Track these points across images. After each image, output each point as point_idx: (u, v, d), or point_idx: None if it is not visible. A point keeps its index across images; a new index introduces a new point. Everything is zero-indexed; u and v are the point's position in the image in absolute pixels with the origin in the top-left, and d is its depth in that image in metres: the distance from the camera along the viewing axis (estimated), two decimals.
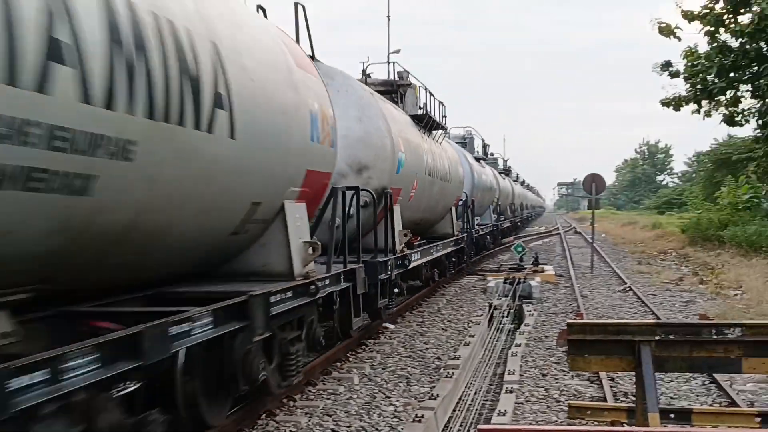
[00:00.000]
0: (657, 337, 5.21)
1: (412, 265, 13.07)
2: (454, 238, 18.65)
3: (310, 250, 7.74)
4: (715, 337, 5.15)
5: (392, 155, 12.29)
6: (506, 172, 43.32)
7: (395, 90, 15.54)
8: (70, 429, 4.14)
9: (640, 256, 28.73)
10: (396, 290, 12.51)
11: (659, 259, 27.04)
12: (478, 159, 28.76)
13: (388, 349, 11.12)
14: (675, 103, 24.11)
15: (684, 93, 24.22)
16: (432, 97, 16.91)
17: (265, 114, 6.53)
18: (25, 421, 3.76)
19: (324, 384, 9.04)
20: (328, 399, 8.42)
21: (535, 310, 14.71)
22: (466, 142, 30.26)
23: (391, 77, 15.81)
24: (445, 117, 18.39)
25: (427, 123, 16.36)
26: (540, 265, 21.10)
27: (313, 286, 7.62)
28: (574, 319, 12.14)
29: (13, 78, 3.61)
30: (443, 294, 17.51)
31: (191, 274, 6.95)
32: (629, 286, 18.26)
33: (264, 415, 7.64)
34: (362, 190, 10.56)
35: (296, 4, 9.80)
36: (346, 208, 9.46)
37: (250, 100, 6.20)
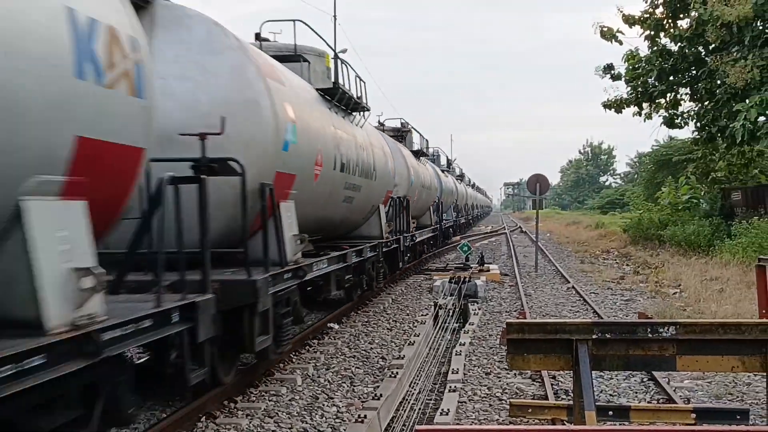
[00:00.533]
0: (594, 336, 5.25)
1: (310, 276, 9.72)
2: (383, 241, 15.60)
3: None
4: (650, 335, 5.20)
5: (274, 127, 8.49)
6: (451, 170, 42.00)
7: (296, 58, 11.89)
8: None
9: (583, 255, 29.01)
10: (290, 318, 8.98)
11: (602, 259, 27.38)
12: (416, 153, 25.52)
13: (332, 350, 11.05)
14: (617, 105, 24.55)
15: (625, 96, 24.65)
16: (347, 67, 13.04)
17: None
18: None
19: (266, 385, 8.92)
20: (270, 400, 8.33)
21: (480, 309, 14.70)
22: (402, 135, 25.98)
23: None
24: (362, 98, 14.11)
25: (341, 100, 12.71)
26: (485, 265, 21.15)
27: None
28: (517, 318, 11.63)
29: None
30: (389, 293, 17.40)
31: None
32: (572, 285, 18.42)
33: (204, 417, 7.51)
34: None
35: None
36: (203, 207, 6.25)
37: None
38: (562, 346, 5.28)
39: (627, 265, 24.50)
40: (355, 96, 13.33)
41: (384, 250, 15.80)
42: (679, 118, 24.76)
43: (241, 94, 8.10)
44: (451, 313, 13.89)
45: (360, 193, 13.70)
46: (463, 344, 11.16)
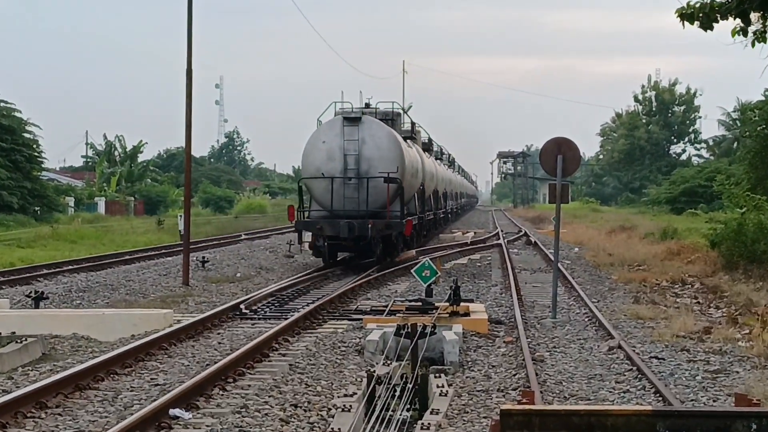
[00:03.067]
0: None
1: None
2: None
3: None
4: None
5: (402, 161, 23.51)
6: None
7: (394, 116, 25.61)
8: None
9: (639, 287, 19.96)
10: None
11: (671, 294, 18.97)
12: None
13: None
14: (703, 14, 13.38)
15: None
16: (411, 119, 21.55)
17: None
18: None
19: None
20: None
21: (451, 384, 9.91)
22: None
23: None
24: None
25: (413, 139, 24.01)
26: (463, 303, 14.57)
27: None
28: (519, 401, 7.16)
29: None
30: (285, 355, 12.01)
31: None
32: (618, 343, 12.64)
33: None
34: None
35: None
36: None
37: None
38: None
39: (717, 307, 17.11)
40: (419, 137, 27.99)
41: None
42: None
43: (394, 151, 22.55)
44: (398, 393, 8.97)
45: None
46: None
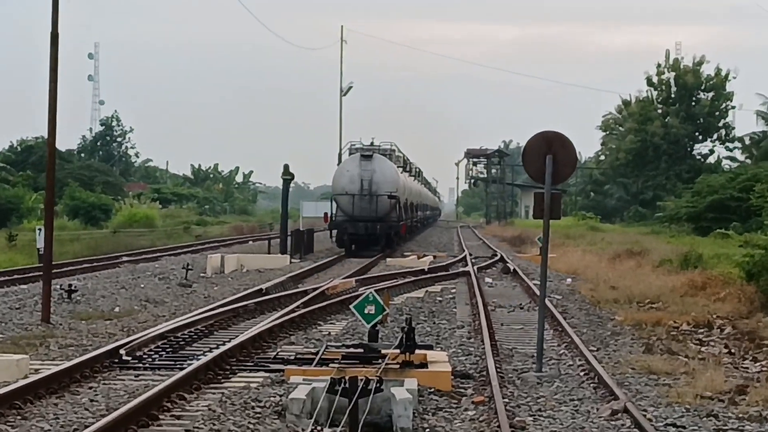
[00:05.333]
0: None
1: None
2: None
3: None
4: None
5: (402, 185, 52.73)
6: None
7: (390, 152, 51.75)
8: None
9: (651, 331, 20.47)
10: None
11: (694, 341, 19.47)
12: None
13: None
14: None
15: None
16: (403, 154, 51.88)
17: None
18: None
19: None
20: None
21: None
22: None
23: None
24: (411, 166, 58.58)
25: (407, 169, 58.87)
26: (418, 350, 14.83)
27: None
28: None
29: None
30: (179, 417, 12.19)
31: None
32: (624, 405, 12.92)
33: None
34: None
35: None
36: None
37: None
38: None
39: (754, 358, 17.47)
40: (411, 166, 62.99)
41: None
42: None
43: (395, 178, 48.74)
44: None
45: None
46: None
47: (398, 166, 52.09)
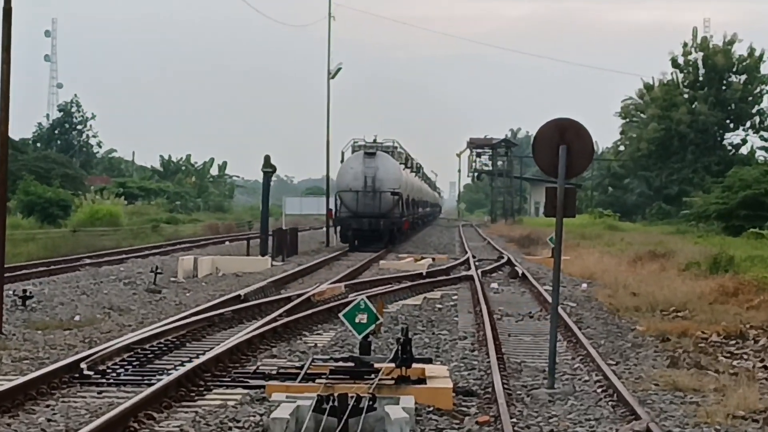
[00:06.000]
0: None
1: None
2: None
3: None
4: None
5: (404, 182, 59.97)
6: None
7: (392, 149, 59.08)
8: None
9: (676, 343, 20.80)
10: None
11: (725, 354, 19.83)
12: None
13: None
14: None
15: None
16: (405, 150, 59.41)
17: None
18: None
19: None
20: None
21: None
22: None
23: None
24: (412, 162, 66.36)
25: (409, 165, 66.30)
26: (416, 364, 15.17)
27: None
28: None
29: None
30: None
31: None
32: (647, 426, 13.03)
33: None
34: None
35: None
36: None
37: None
38: None
39: None
40: (413, 162, 69.71)
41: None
42: None
43: (397, 175, 56.16)
44: None
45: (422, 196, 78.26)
46: None
47: (400, 163, 57.91)
